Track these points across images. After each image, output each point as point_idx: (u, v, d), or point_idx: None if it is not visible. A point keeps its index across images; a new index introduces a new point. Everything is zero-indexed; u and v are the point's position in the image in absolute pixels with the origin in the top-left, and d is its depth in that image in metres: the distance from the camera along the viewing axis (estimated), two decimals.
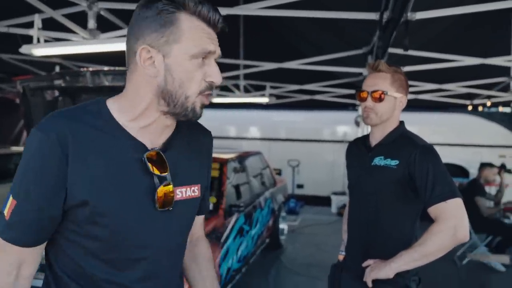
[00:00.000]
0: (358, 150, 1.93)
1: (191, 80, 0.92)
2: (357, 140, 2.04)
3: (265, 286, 4.48)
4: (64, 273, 0.97)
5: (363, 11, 2.97)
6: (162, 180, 0.96)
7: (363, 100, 1.76)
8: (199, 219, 1.29)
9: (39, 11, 3.13)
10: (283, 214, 6.04)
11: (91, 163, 0.90)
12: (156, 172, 0.95)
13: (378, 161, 1.75)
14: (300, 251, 5.73)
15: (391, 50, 3.36)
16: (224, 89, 7.64)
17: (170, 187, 0.97)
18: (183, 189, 1.04)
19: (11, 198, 0.91)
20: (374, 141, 1.83)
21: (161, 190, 0.96)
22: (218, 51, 0.95)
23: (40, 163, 0.88)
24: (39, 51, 3.19)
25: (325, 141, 10.08)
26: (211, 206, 3.71)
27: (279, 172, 8.26)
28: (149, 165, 0.94)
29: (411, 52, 3.88)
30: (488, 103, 7.54)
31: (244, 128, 10.91)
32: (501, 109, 9.22)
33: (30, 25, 3.29)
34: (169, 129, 1.02)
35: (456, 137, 8.92)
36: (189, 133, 1.10)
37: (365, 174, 1.80)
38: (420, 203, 1.71)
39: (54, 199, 0.89)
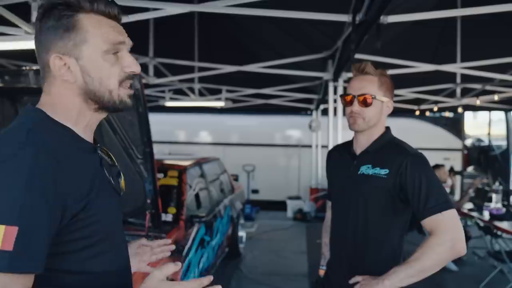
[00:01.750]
0: (341, 157, 1.82)
1: (109, 75, 0.94)
2: (339, 146, 1.92)
3: None
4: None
5: (328, 13, 2.90)
6: (114, 170, 1.04)
7: (349, 104, 1.65)
8: None
9: None
10: (241, 221, 5.88)
11: (71, 168, 0.89)
12: (112, 163, 1.05)
13: (366, 169, 1.64)
14: (260, 259, 5.59)
15: (357, 55, 3.32)
16: (178, 92, 7.36)
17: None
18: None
19: (3, 227, 0.77)
20: (359, 148, 1.72)
21: (117, 176, 1.05)
22: (129, 41, 0.98)
23: (39, 179, 0.81)
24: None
25: (280, 145, 10.07)
26: (170, 217, 3.47)
27: (236, 178, 8.09)
28: (107, 159, 1.03)
29: (368, 57, 3.88)
30: (435, 108, 7.87)
31: (198, 132, 10.65)
32: (447, 114, 9.71)
33: None
34: (95, 126, 1.05)
35: (405, 140, 9.25)
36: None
37: (351, 184, 1.68)
38: (409, 214, 1.64)
39: (57, 215, 0.83)
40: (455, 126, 9.41)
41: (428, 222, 1.47)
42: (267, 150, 9.97)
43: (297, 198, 9.02)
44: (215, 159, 5.64)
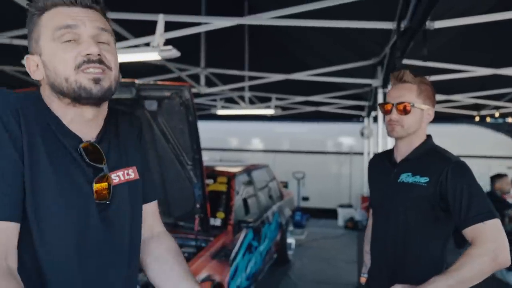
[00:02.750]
0: (382, 165, 1.81)
1: (62, 62, 0.91)
2: (381, 154, 1.92)
3: None
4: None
5: (375, 21, 2.89)
6: (98, 171, 0.98)
7: (388, 112, 1.65)
8: (150, 208, 1.22)
9: None
10: (290, 228, 5.90)
11: (37, 142, 0.91)
12: (93, 163, 0.98)
13: (406, 178, 1.63)
14: (309, 267, 5.57)
15: (403, 61, 3.27)
16: (229, 100, 7.57)
17: (105, 184, 0.99)
18: (120, 172, 1.05)
19: None
20: (399, 156, 1.72)
21: (97, 180, 0.98)
22: (88, 26, 0.93)
23: (3, 132, 0.86)
24: None
25: (330, 152, 9.97)
26: (219, 222, 3.59)
27: (285, 185, 8.13)
28: (85, 157, 0.96)
29: (418, 63, 3.78)
30: (497, 114, 7.43)
31: (248, 140, 10.83)
32: (509, 120, 9.11)
33: None
34: (96, 125, 1.02)
35: (463, 148, 8.81)
36: (119, 122, 1.12)
37: (391, 192, 1.68)
38: (451, 224, 1.59)
39: (20, 167, 0.88)
40: None
41: (469, 232, 1.43)
42: (318, 157, 9.91)
43: (349, 206, 8.86)
44: (264, 166, 5.73)
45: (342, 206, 8.80)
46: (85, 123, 0.99)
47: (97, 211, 0.98)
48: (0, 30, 3.53)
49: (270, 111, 7.05)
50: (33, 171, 0.89)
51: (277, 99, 7.22)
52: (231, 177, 4.06)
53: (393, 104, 1.63)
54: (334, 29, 3.31)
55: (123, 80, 3.11)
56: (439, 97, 6.44)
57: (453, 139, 9.06)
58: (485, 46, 4.61)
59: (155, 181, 1.29)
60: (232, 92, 6.70)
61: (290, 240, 5.88)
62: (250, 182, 4.62)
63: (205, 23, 3.15)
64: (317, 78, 5.19)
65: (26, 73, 3.72)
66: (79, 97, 0.93)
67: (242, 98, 7.10)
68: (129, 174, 1.08)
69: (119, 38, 3.20)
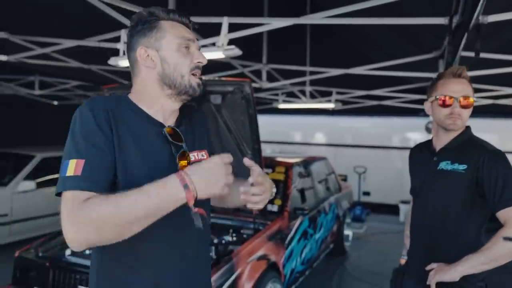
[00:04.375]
0: (421, 154, 1.94)
1: (181, 63, 1.20)
2: (420, 144, 2.05)
3: None
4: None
5: (431, 16, 2.94)
6: (179, 148, 1.21)
7: (449, 106, 1.73)
8: None
9: (125, 26, 3.49)
10: (348, 220, 6.00)
11: (127, 129, 1.14)
12: (175, 141, 1.21)
13: (445, 165, 1.75)
14: (365, 259, 5.65)
15: (464, 53, 3.25)
16: (291, 95, 7.76)
17: (185, 162, 1.21)
18: (195, 153, 1.28)
19: (74, 161, 1.05)
20: (438, 145, 1.84)
21: (180, 155, 1.20)
22: (197, 42, 1.24)
23: (96, 125, 1.09)
24: (125, 62, 3.56)
25: (393, 147, 9.79)
26: (276, 208, 3.84)
27: (344, 178, 8.17)
28: (169, 137, 1.20)
29: (485, 55, 3.70)
30: None
31: (309, 133, 10.94)
32: None
33: (117, 39, 3.67)
34: (175, 114, 1.28)
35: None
36: (190, 114, 1.39)
37: (431, 179, 1.81)
38: (487, 210, 1.69)
39: (111, 151, 1.10)
40: None
41: (502, 214, 1.55)
42: (380, 152, 9.78)
43: None
44: (322, 159, 5.87)
45: (404, 202, 8.63)
46: (169, 112, 1.25)
47: None
48: (91, 35, 4.07)
49: (330, 105, 7.14)
50: (124, 152, 1.12)
51: (338, 93, 7.27)
52: (288, 167, 4.29)
53: (455, 98, 1.71)
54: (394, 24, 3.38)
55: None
56: (510, 90, 6.12)
57: (506, 134, 8.46)
58: None
59: None
60: (293, 86, 6.89)
61: (348, 232, 5.98)
62: (307, 173, 4.82)
63: (265, 24, 3.39)
64: (376, 72, 5.21)
65: (111, 72, 4.25)
66: (185, 92, 1.22)
67: (303, 92, 7.26)
68: (203, 155, 1.31)
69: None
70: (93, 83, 7.04)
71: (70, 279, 2.72)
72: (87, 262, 2.82)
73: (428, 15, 3.00)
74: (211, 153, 1.39)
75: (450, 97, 1.72)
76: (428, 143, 1.94)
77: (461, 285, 1.63)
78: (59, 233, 3.36)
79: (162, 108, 1.24)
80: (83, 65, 5.32)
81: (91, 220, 0.98)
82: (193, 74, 1.22)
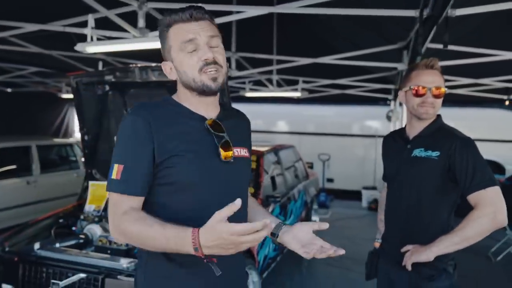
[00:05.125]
0: (395, 142, 2.03)
1: (189, 66, 1.23)
2: (393, 133, 2.13)
3: (299, 275, 4.63)
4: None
5: (400, 8, 3.04)
6: (220, 138, 1.25)
7: (422, 95, 1.82)
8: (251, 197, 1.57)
9: (93, 11, 3.36)
10: (315, 206, 6.15)
11: (169, 129, 1.22)
12: (216, 132, 1.25)
13: (419, 152, 1.84)
14: (332, 243, 5.76)
15: (430, 45, 3.40)
16: (257, 83, 7.78)
17: (230, 149, 1.26)
18: (238, 149, 1.34)
19: (116, 165, 1.21)
20: (412, 133, 1.92)
21: (222, 144, 1.25)
22: (205, 35, 1.23)
23: (136, 134, 1.21)
24: (92, 48, 3.43)
25: (356, 135, 10.08)
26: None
27: (311, 166, 8.34)
28: (210, 128, 1.25)
29: (448, 47, 3.89)
30: None
31: (275, 122, 11.04)
32: None
33: (84, 24, 3.52)
34: (214, 107, 1.34)
35: (492, 132, 8.74)
36: (232, 113, 1.45)
37: (405, 166, 1.90)
38: (458, 194, 1.81)
39: (148, 158, 1.20)
40: None
41: (473, 197, 1.66)
42: (343, 140, 10.05)
43: (373, 188, 9.01)
44: (290, 147, 5.97)
45: (366, 188, 8.96)
46: (207, 107, 1.32)
47: (223, 167, 1.26)
48: (55, 19, 3.87)
49: (297, 94, 7.23)
50: (169, 152, 1.20)
51: (304, 82, 7.37)
52: (260, 155, 4.33)
53: (428, 88, 1.80)
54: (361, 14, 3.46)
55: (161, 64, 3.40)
56: (467, 80, 6.47)
57: (482, 123, 9.00)
58: None
59: None
60: (260, 75, 6.91)
61: (315, 218, 6.14)
62: (277, 161, 4.88)
63: (238, 12, 3.37)
64: (343, 61, 5.33)
65: (75, 58, 4.07)
66: (203, 92, 1.26)
67: (270, 81, 7.30)
68: (246, 152, 1.38)
69: (157, 26, 3.46)
70: (54, 70, 6.72)
71: (41, 273, 2.64)
72: (58, 256, 2.75)
73: (397, 7, 3.10)
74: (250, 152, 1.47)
75: (423, 87, 1.81)
76: (401, 131, 2.03)
77: (434, 265, 1.74)
78: (26, 226, 3.23)
79: (198, 104, 1.30)
80: (43, 51, 5.06)
81: (123, 232, 1.17)
82: (204, 72, 1.23)
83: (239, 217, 1.27)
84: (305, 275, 4.69)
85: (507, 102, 7.93)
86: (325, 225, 1.27)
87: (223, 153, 1.24)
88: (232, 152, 1.27)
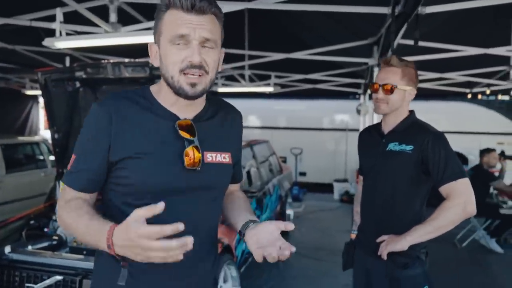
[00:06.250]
0: (370, 137, 2.10)
1: (171, 62, 1.09)
2: (369, 127, 2.20)
3: (276, 268, 4.68)
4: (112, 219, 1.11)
5: (372, 5, 3.12)
6: (190, 143, 1.14)
7: (375, 91, 1.92)
8: (235, 186, 1.47)
9: (61, 4, 3.25)
10: (289, 200, 6.23)
11: (131, 127, 1.13)
12: (186, 136, 1.13)
13: (393, 146, 1.91)
14: (307, 236, 5.94)
15: (401, 41, 3.50)
16: (230, 78, 7.76)
17: (198, 153, 1.14)
18: (213, 154, 1.21)
19: (73, 155, 1.17)
20: (387, 128, 2.00)
21: (188, 149, 1.13)
22: (201, 34, 1.07)
23: (94, 126, 1.14)
24: (62, 44, 3.32)
25: (327, 129, 10.25)
26: None
27: (284, 160, 8.43)
28: (179, 131, 1.13)
29: (409, 43, 4.02)
30: (488, 91, 7.70)
31: (247, 117, 11.05)
32: (500, 97, 9.39)
33: (52, 18, 3.40)
34: (195, 107, 1.20)
35: (455, 124, 9.11)
36: (220, 111, 1.29)
37: (380, 159, 1.96)
38: (429, 185, 1.89)
39: (102, 154, 1.12)
40: (510, 110, 9.09)
41: (444, 188, 1.74)
42: (315, 134, 10.19)
43: (344, 180, 9.21)
44: (264, 141, 6.01)
45: (337, 180, 9.14)
46: (183, 107, 1.18)
47: (185, 175, 1.14)
48: (21, 13, 3.71)
49: (269, 89, 7.27)
50: (127, 150, 1.11)
51: (276, 77, 7.42)
52: None
53: (379, 85, 1.89)
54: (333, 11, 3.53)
55: (138, 60, 3.33)
56: (432, 75, 6.70)
57: (446, 115, 9.35)
58: (477, 27, 4.83)
59: (242, 166, 1.54)
60: (232, 70, 6.90)
61: (289, 212, 6.22)
62: (252, 156, 4.91)
63: None
64: (315, 57, 5.40)
65: (41, 53, 3.93)
66: (178, 94, 1.13)
67: (242, 76, 7.30)
68: (225, 158, 1.24)
69: (133, 21, 3.40)
70: (17, 65, 6.45)
71: (14, 277, 2.55)
72: (30, 259, 2.66)
73: (368, 4, 3.18)
74: (238, 158, 1.37)
75: (375, 84, 1.92)
76: (377, 126, 2.10)
77: (408, 253, 1.82)
78: None
79: (176, 103, 1.17)
80: (6, 45, 4.85)
81: (63, 221, 1.13)
82: (184, 74, 1.09)
83: (202, 230, 1.21)
84: (281, 267, 4.75)
85: (469, 95, 8.28)
86: (291, 226, 1.11)
87: (187, 160, 1.13)
88: (199, 158, 1.15)
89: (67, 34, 3.30)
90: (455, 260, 5.02)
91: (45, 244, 3.00)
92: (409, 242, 1.75)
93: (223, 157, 1.24)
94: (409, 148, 1.85)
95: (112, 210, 1.19)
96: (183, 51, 1.07)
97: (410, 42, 3.91)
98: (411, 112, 1.99)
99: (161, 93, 1.19)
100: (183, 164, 1.13)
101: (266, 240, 1.11)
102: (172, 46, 1.08)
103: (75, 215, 1.08)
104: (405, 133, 1.91)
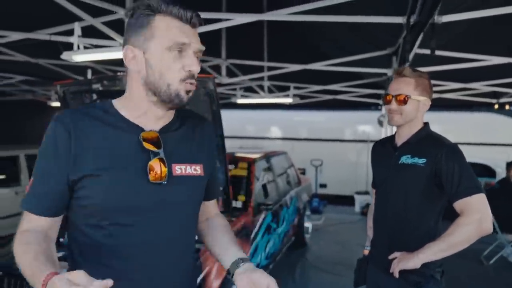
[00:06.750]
0: (383, 149, 2.03)
1: (169, 70, 1.06)
2: (383, 140, 2.14)
3: (292, 283, 4.59)
4: (76, 243, 1.14)
5: (389, 15, 3.05)
6: (155, 155, 1.10)
7: (388, 103, 1.86)
8: (210, 204, 1.41)
9: (79, 19, 3.32)
10: (307, 212, 6.13)
11: (90, 144, 1.07)
12: (151, 148, 1.10)
13: (406, 159, 1.84)
14: (325, 249, 5.81)
15: (418, 50, 3.41)
16: (249, 90, 7.77)
17: (165, 169, 1.10)
18: (183, 166, 1.17)
19: (32, 177, 1.11)
20: (400, 140, 1.93)
21: (153, 162, 1.09)
22: (196, 45, 1.09)
23: (52, 145, 1.07)
24: (79, 57, 3.39)
25: (348, 140, 10.10)
26: (240, 204, 3.84)
27: (303, 172, 8.33)
28: (144, 143, 1.09)
29: (436, 52, 3.91)
30: None
31: (267, 128, 11.04)
32: None
33: (70, 33, 3.48)
34: (165, 119, 1.17)
35: (481, 136, 8.81)
36: (189, 121, 1.26)
37: (393, 172, 1.89)
38: (444, 201, 1.80)
39: (61, 174, 1.07)
40: None
41: (459, 204, 1.65)
42: (335, 145, 10.06)
43: (366, 193, 9.01)
44: (282, 153, 5.95)
45: (359, 193, 8.96)
46: (154, 119, 1.14)
47: (151, 190, 1.10)
48: (41, 27, 3.83)
49: (288, 100, 7.23)
50: (88, 169, 1.06)
51: (295, 88, 7.38)
52: (251, 162, 4.30)
53: (392, 96, 1.83)
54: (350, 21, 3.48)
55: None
56: (456, 85, 6.51)
57: (472, 126, 9.07)
58: (500, 36, 4.67)
59: (219, 181, 1.48)
60: (251, 81, 6.90)
61: (307, 224, 6.11)
62: (269, 168, 4.86)
63: (226, 19, 3.36)
64: (334, 67, 5.34)
65: (62, 66, 4.03)
66: (170, 102, 1.10)
67: (261, 87, 7.29)
68: (196, 170, 1.19)
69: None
70: (41, 78, 6.65)
71: (28, 287, 2.57)
72: None
73: (385, 14, 3.11)
74: (211, 169, 1.31)
75: (389, 95, 1.86)
76: (391, 138, 2.03)
77: (421, 272, 1.73)
78: (11, 239, 3.16)
79: (146, 113, 1.14)
80: (30, 59, 5.01)
81: (14, 252, 1.05)
82: (184, 82, 1.09)
83: (176, 248, 1.18)
84: (298, 282, 4.65)
85: (496, 106, 8.00)
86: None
87: (152, 173, 1.08)
88: (165, 171, 1.10)
89: (85, 47, 3.37)
90: (481, 278, 4.80)
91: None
92: (422, 260, 1.67)
93: (194, 169, 1.19)
94: (422, 161, 1.77)
95: (75, 233, 1.14)
96: (180, 59, 1.07)
97: (428, 52, 3.82)
98: (426, 124, 1.92)
99: (128, 104, 1.14)
100: (147, 178, 1.08)
101: None
102: (169, 53, 1.06)
103: (21, 250, 1.03)
104: (418, 146, 1.84)
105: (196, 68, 1.09)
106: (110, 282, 0.82)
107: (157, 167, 1.09)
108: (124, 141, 1.10)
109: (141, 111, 1.13)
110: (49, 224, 1.10)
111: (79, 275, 0.82)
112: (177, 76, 1.07)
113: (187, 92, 1.10)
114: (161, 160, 1.10)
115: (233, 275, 1.14)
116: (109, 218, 1.08)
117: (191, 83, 1.10)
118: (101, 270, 0.98)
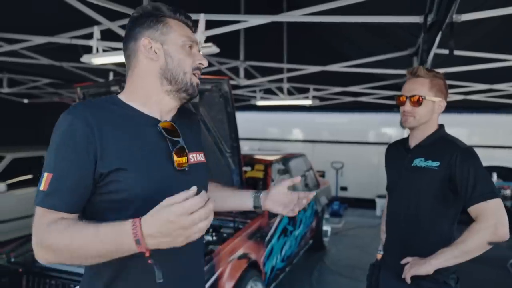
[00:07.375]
0: (397, 151, 1.98)
1: (185, 60, 1.19)
2: (396, 142, 2.08)
3: (308, 286, 4.54)
4: None
5: (406, 15, 2.98)
6: (175, 144, 1.15)
7: (402, 104, 1.81)
8: (213, 183, 1.52)
9: (98, 23, 3.39)
10: (326, 216, 6.06)
11: (114, 137, 1.08)
12: (173, 137, 1.15)
13: (419, 162, 1.78)
14: (344, 253, 5.73)
15: (438, 51, 3.31)
16: (268, 91, 7.76)
17: (184, 155, 1.16)
18: (194, 155, 1.26)
19: (46, 174, 1.04)
20: (413, 143, 1.88)
21: (176, 151, 1.14)
22: (197, 47, 1.25)
23: (72, 139, 1.04)
24: (98, 60, 3.46)
25: (369, 143, 9.94)
26: None
27: (322, 174, 8.24)
28: (164, 133, 1.14)
29: (458, 53, 3.79)
30: None
31: (287, 130, 10.99)
32: None
33: (90, 36, 3.56)
34: (173, 112, 1.25)
35: (507, 138, 8.51)
36: (184, 114, 1.34)
37: (405, 175, 1.84)
38: (459, 205, 1.74)
39: (85, 168, 1.04)
40: None
41: (473, 209, 1.59)
42: (357, 147, 9.92)
43: None
44: (300, 155, 5.90)
45: (380, 196, 8.79)
46: (166, 110, 1.22)
47: (177, 176, 1.15)
48: (62, 32, 3.93)
49: (308, 102, 7.18)
50: (114, 161, 1.05)
51: (315, 89, 7.32)
52: (267, 164, 4.28)
53: (406, 97, 1.77)
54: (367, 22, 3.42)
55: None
56: (482, 86, 6.31)
57: (499, 128, 8.77)
58: None
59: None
60: (270, 83, 6.88)
61: (326, 228, 6.04)
62: (286, 170, 4.83)
63: (243, 21, 3.36)
64: (352, 69, 5.26)
65: (84, 69, 4.13)
66: (185, 90, 1.21)
67: (280, 89, 7.26)
68: (202, 157, 1.30)
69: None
70: (64, 81, 6.84)
71: (44, 285, 2.64)
72: (61, 267, 2.74)
73: (404, 13, 3.04)
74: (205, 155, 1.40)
75: (402, 96, 1.80)
76: (404, 140, 1.98)
77: (434, 278, 1.67)
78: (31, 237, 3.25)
79: (159, 104, 1.20)
80: (54, 62, 5.15)
81: (49, 246, 0.99)
82: (194, 74, 1.22)
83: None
84: (315, 286, 4.59)
85: None
86: (298, 179, 1.34)
87: (177, 160, 1.13)
88: (186, 159, 1.16)
89: (104, 50, 3.44)
90: (507, 287, 4.62)
91: None
92: (434, 266, 1.61)
93: (201, 156, 1.30)
94: (435, 164, 1.72)
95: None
96: (191, 54, 1.22)
97: (457, 52, 3.70)
98: (440, 126, 1.86)
99: (137, 97, 1.18)
100: (173, 166, 1.14)
101: (285, 200, 1.38)
102: (184, 47, 1.20)
103: (71, 231, 0.97)
104: (432, 148, 1.78)
105: (205, 62, 1.24)
106: (194, 188, 0.91)
107: (179, 155, 1.15)
108: (145, 132, 1.14)
109: (154, 102, 1.19)
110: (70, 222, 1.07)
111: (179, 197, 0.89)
112: (191, 66, 1.20)
113: (197, 84, 1.23)
114: (181, 148, 1.16)
115: (260, 207, 1.40)
116: (145, 211, 0.98)
117: (199, 75, 1.24)
118: (135, 264, 1.07)
